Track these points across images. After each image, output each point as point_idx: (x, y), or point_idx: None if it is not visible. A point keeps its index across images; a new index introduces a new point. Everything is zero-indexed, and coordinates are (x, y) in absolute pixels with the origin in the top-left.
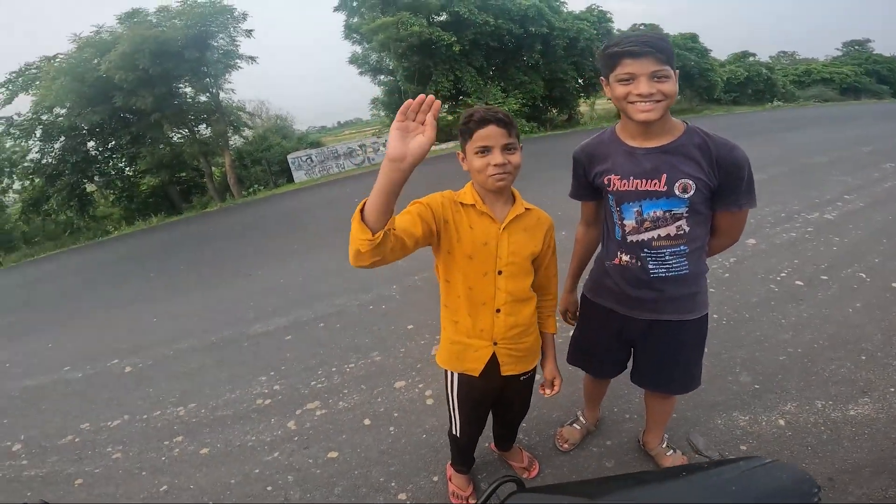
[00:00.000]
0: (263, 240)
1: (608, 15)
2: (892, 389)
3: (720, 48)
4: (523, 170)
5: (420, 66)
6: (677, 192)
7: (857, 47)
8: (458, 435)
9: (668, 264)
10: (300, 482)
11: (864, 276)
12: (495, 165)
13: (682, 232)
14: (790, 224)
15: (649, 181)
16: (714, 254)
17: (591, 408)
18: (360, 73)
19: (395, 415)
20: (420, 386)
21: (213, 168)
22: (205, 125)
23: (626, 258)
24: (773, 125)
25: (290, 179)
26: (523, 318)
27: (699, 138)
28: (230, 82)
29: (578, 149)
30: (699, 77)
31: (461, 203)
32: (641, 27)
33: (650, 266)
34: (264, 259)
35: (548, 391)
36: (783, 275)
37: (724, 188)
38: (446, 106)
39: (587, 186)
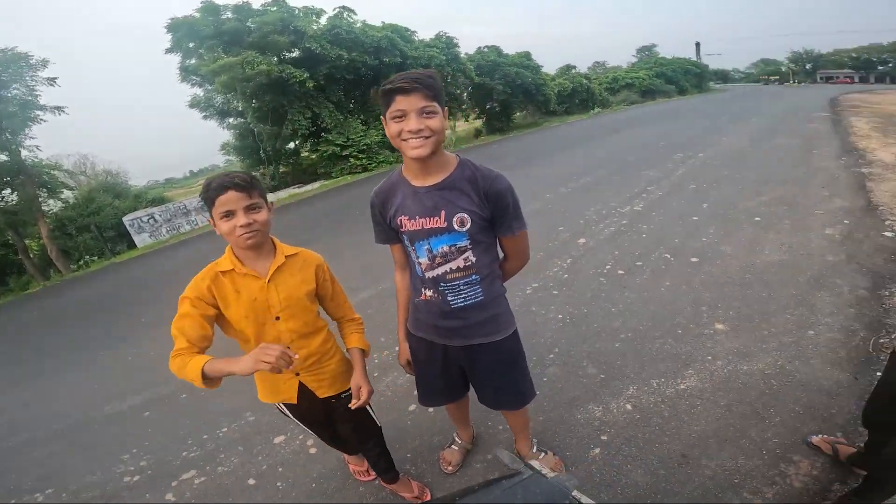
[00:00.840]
0: (105, 317)
1: (454, 40)
2: (710, 357)
3: (550, 63)
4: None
5: (273, 105)
6: (456, 227)
7: (647, 53)
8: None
9: (465, 294)
10: None
11: (669, 256)
12: (241, 227)
13: (469, 263)
14: (610, 219)
15: (431, 218)
16: (510, 276)
17: (462, 428)
18: (205, 118)
19: (280, 469)
20: (300, 437)
21: (26, 241)
22: (10, 190)
23: (429, 293)
24: (597, 130)
25: (133, 244)
26: (315, 349)
27: (469, 171)
28: (32, 137)
29: (373, 194)
30: (536, 92)
31: (221, 272)
32: (485, 49)
33: (449, 298)
34: (109, 338)
35: (353, 402)
36: (608, 267)
37: (495, 216)
38: (308, 144)
39: (388, 230)
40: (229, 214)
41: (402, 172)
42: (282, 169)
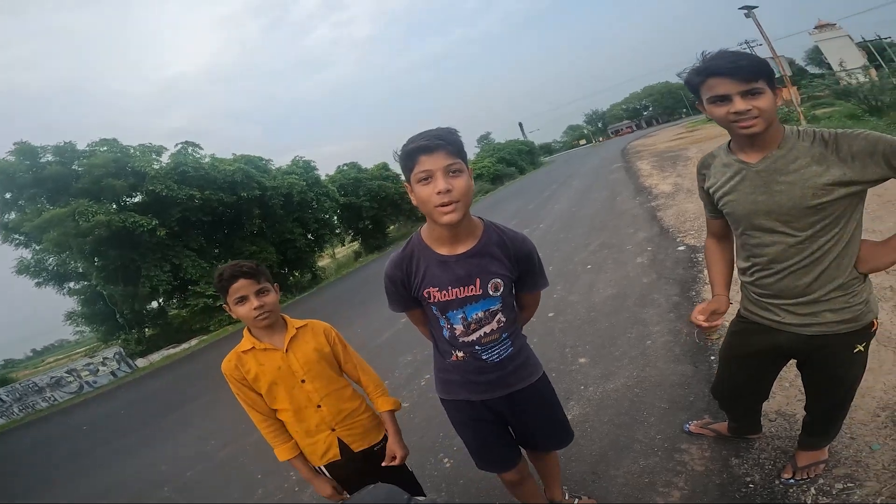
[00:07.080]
0: None
1: (312, 163)
2: (582, 387)
3: None
4: None
5: (122, 261)
6: (491, 292)
7: (485, 141)
8: None
9: (497, 351)
10: None
11: None
12: (255, 309)
13: (501, 324)
14: None
15: (466, 287)
16: (522, 325)
17: None
18: (39, 285)
19: None
20: None
21: None
22: None
23: (460, 354)
24: None
25: None
26: (345, 402)
27: (496, 235)
28: None
29: (390, 266)
30: (402, 201)
31: (243, 352)
32: (344, 167)
33: (484, 356)
34: None
35: (386, 461)
36: None
37: (523, 275)
38: (174, 301)
39: (408, 299)
40: (243, 300)
41: (422, 239)
42: (149, 332)
